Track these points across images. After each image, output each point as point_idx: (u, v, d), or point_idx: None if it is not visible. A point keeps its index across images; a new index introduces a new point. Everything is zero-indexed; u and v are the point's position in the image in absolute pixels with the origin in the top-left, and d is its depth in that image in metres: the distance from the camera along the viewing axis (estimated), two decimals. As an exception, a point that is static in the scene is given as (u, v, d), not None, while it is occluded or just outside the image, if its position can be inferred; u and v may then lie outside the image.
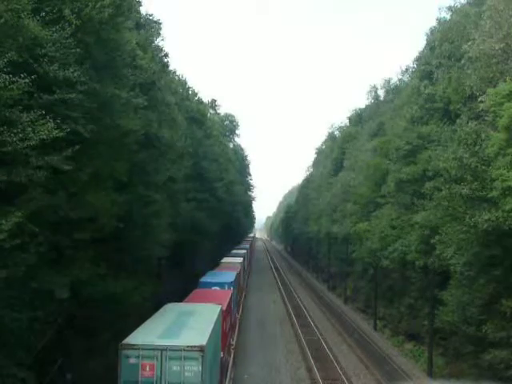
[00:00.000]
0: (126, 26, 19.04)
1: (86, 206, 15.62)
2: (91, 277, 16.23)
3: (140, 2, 26.16)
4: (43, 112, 12.69)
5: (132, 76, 19.72)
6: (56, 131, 12.59)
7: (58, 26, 14.03)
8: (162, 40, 33.09)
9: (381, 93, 58.83)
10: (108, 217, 17.05)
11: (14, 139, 11.80)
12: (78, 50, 14.32)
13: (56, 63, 13.74)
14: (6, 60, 11.88)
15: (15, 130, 11.89)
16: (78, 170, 15.06)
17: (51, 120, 12.71)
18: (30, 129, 12.21)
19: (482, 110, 21.27)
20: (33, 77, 12.28)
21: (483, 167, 18.85)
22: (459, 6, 35.16)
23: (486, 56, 21.88)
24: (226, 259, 47.65)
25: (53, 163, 13.08)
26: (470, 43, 24.05)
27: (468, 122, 22.63)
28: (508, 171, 17.52)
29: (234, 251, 63.07)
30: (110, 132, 16.83)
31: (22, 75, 12.09)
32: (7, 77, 11.76)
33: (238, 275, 35.98)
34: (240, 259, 47.66)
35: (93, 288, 16.53)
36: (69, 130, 13.41)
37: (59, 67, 13.77)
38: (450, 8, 35.81)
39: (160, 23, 33.16)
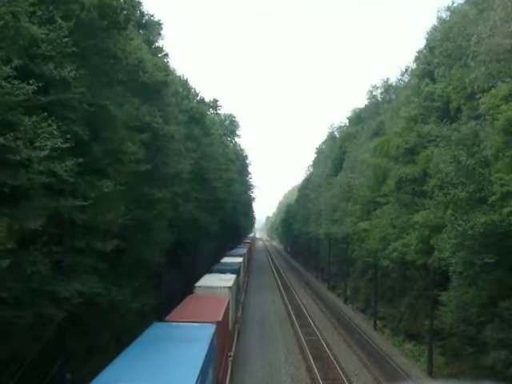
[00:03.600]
0: (122, 29, 19.11)
1: (97, 213, 15.64)
2: (94, 288, 16.19)
3: (140, 3, 26.25)
4: (45, 114, 12.68)
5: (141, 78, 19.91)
6: (59, 139, 12.57)
7: (53, 26, 14.06)
8: (162, 39, 33.29)
9: (380, 93, 58.84)
10: (116, 225, 17.09)
11: (19, 144, 11.77)
12: (74, 49, 14.33)
13: (52, 62, 13.75)
14: (13, 66, 11.89)
15: (19, 135, 11.87)
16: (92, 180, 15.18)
17: (53, 123, 12.70)
18: (32, 132, 12.19)
19: (481, 111, 21.25)
20: (40, 84, 12.29)
21: (480, 169, 18.85)
22: (458, 5, 35.11)
23: (492, 52, 21.72)
24: (205, 280, 29.11)
25: (56, 170, 13.04)
26: (474, 36, 23.80)
27: (468, 120, 22.61)
28: (507, 174, 17.54)
29: (226, 260, 45.60)
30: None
31: (29, 81, 12.10)
32: (15, 82, 11.77)
33: (220, 327, 17.66)
34: (230, 280, 28.82)
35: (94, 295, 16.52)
36: (69, 136, 13.42)
37: (55, 67, 13.78)
38: (449, 8, 35.75)
39: (161, 24, 33.29)
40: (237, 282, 32.22)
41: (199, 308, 20.44)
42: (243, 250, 62.26)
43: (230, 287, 26.29)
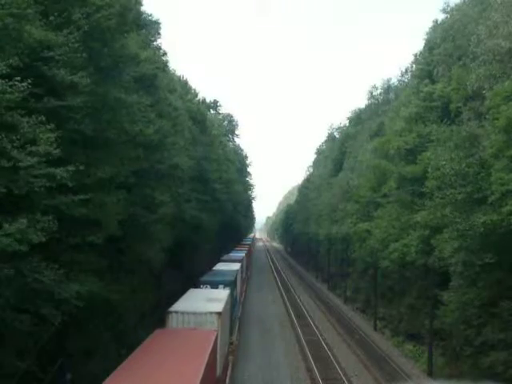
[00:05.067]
0: (128, 31, 19.30)
1: (94, 207, 15.62)
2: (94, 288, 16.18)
3: (140, 2, 26.18)
4: (43, 118, 12.61)
5: (133, 72, 19.91)
6: (53, 147, 12.47)
7: (66, 31, 14.10)
8: (160, 38, 33.38)
9: (380, 93, 58.85)
10: (114, 220, 17.06)
11: (14, 147, 11.70)
12: (84, 54, 14.37)
13: (63, 67, 13.78)
14: (4, 65, 11.84)
15: (14, 137, 11.80)
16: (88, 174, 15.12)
17: (51, 129, 12.63)
18: (31, 136, 12.13)
19: (484, 109, 21.22)
20: (29, 80, 12.17)
21: (476, 169, 18.86)
22: (457, 6, 35.01)
23: (492, 53, 21.70)
24: (186, 301, 20.91)
25: (55, 174, 12.98)
26: (474, 37, 23.76)
27: (469, 120, 22.56)
28: (507, 174, 17.53)
29: (220, 267, 36.67)
30: (115, 134, 16.96)
31: (19, 78, 12.01)
32: (3, 81, 11.72)
33: None
34: (220, 300, 21.24)
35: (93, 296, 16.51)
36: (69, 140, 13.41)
37: (66, 71, 13.81)
38: (444, 10, 35.63)
39: (159, 23, 33.33)
40: (231, 298, 24.84)
41: (163, 361, 13.15)
42: (241, 254, 52.42)
43: (219, 313, 18.51)
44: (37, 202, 13.04)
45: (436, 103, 31.05)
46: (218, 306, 19.77)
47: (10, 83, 11.80)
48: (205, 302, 20.78)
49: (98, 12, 15.41)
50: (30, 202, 12.93)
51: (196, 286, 26.71)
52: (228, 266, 36.70)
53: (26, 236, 11.73)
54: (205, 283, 27.24)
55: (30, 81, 12.18)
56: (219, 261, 43.88)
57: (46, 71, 13.52)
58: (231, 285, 27.26)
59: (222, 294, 23.36)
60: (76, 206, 14.19)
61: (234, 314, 27.82)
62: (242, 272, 40.86)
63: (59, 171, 12.88)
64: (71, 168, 13.19)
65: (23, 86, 11.99)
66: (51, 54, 13.70)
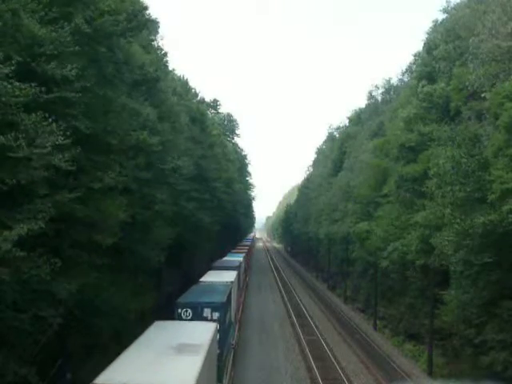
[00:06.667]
0: (134, 36, 19.40)
1: (95, 208, 15.61)
2: (94, 286, 16.16)
3: (146, 7, 26.11)
4: (45, 115, 12.62)
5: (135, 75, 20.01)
6: (61, 138, 12.51)
7: (57, 26, 14.05)
8: (158, 37, 33.42)
9: (380, 93, 58.89)
10: (115, 221, 17.06)
11: (21, 143, 11.70)
12: (77, 48, 14.31)
13: (54, 61, 13.72)
14: (13, 68, 11.83)
15: (20, 135, 11.80)
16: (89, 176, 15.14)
17: (53, 122, 12.65)
18: (33, 131, 12.13)
19: (484, 109, 21.22)
20: (42, 89, 12.24)
21: (479, 172, 18.83)
22: (459, 4, 34.91)
23: (491, 53, 21.68)
24: (127, 364, 10.57)
25: (55, 163, 12.95)
26: (472, 38, 23.78)
27: (469, 119, 22.55)
28: (507, 173, 17.50)
29: (210, 277, 27.52)
30: (118, 139, 17.01)
31: (30, 83, 12.04)
32: (17, 83, 11.74)
33: None
34: (197, 352, 11.80)
35: (93, 295, 16.49)
36: (70, 132, 13.39)
37: (57, 65, 13.75)
38: (445, 10, 35.56)
39: (157, 22, 33.36)
40: (221, 327, 17.64)
41: None
42: (238, 258, 43.02)
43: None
44: (36, 193, 13.03)
45: (438, 100, 30.96)
46: (192, 370, 10.57)
47: (22, 87, 11.80)
48: (171, 354, 11.85)
49: (103, 17, 15.44)
50: (29, 193, 12.93)
51: (174, 309, 18.55)
52: (220, 277, 27.55)
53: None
54: (185, 306, 18.51)
55: (43, 89, 12.21)
56: (212, 267, 34.95)
57: (37, 67, 13.49)
58: (222, 309, 18.88)
59: (205, 333, 14.25)
60: (72, 203, 14.18)
61: (226, 346, 19.87)
62: (238, 282, 32.57)
63: (57, 160, 12.85)
64: (69, 154, 13.15)
65: (32, 91, 12.00)
66: (42, 49, 13.65)
